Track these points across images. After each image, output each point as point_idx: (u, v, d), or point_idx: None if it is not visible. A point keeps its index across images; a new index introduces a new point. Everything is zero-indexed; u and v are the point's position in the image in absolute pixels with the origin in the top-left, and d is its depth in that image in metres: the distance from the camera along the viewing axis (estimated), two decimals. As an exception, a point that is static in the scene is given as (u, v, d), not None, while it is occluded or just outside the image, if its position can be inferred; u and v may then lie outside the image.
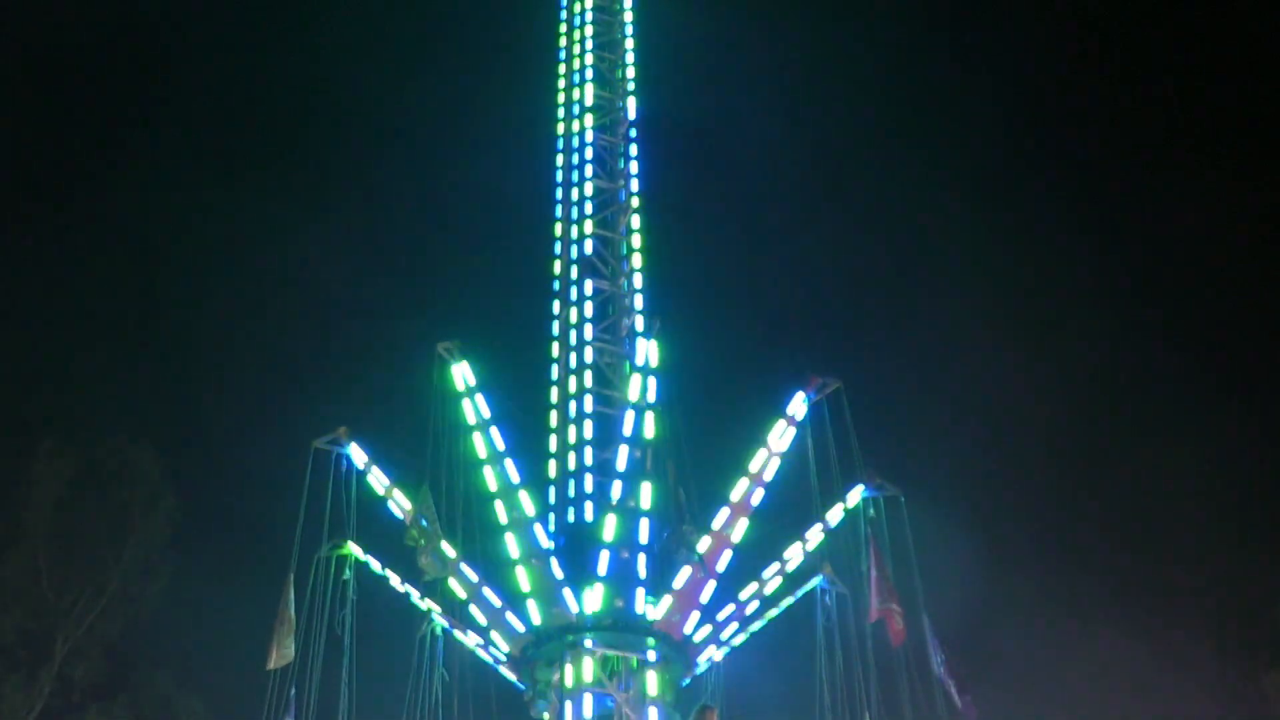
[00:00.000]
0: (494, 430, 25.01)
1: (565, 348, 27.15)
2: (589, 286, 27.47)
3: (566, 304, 27.78)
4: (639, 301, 27.76)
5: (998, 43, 61.92)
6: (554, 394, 26.87)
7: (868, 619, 22.61)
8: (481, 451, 24.81)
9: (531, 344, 28.39)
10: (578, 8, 31.91)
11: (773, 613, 24.64)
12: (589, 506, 24.75)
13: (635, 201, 28.98)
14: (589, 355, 26.49)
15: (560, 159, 30.13)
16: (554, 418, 26.50)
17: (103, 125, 54.56)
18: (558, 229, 29.28)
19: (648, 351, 25.25)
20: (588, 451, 25.29)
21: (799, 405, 25.33)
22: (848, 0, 58.94)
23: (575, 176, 29.37)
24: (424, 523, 23.30)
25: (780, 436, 25.21)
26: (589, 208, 28.70)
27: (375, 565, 24.49)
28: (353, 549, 23.93)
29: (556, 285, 28.53)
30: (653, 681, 23.14)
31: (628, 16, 31.91)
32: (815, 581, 24.09)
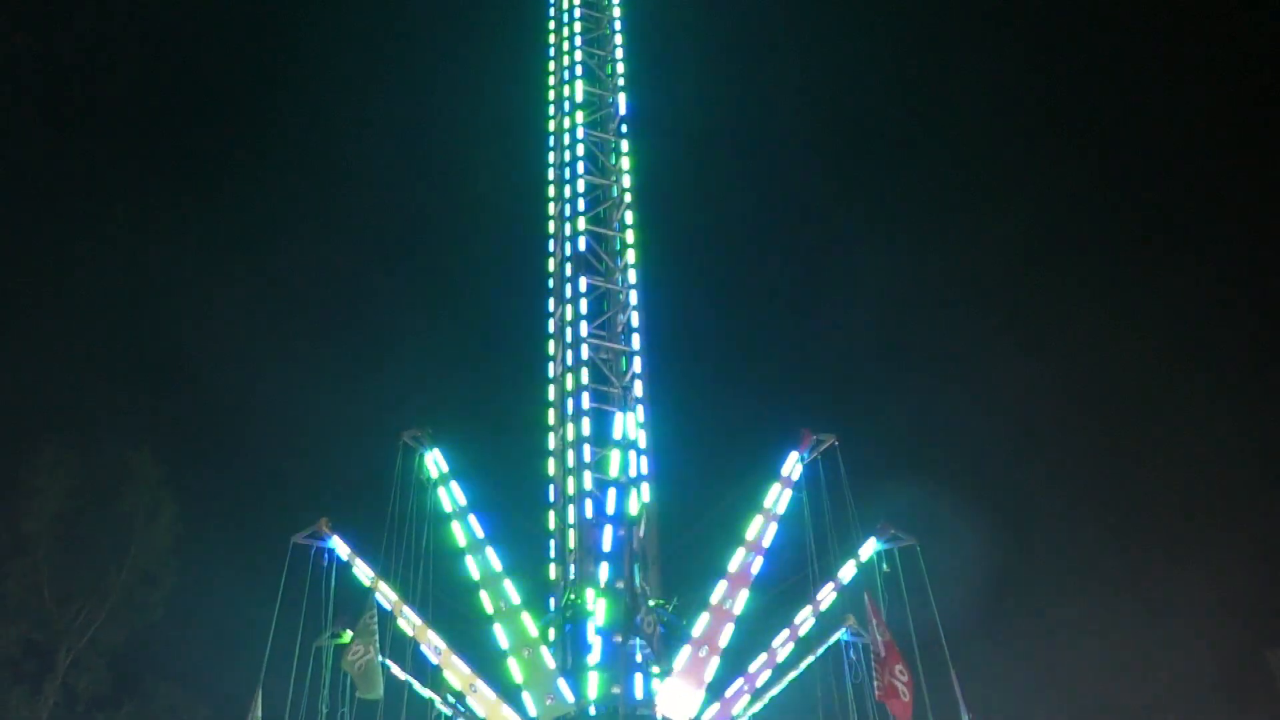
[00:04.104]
0: (472, 518, 24.11)
1: (561, 345, 27.04)
2: (583, 283, 27.28)
3: (561, 301, 27.69)
4: (634, 298, 27.61)
5: (995, 60, 61.79)
6: (550, 391, 26.73)
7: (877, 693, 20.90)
8: (461, 540, 23.89)
9: (523, 412, 27.19)
10: (566, 4, 31.79)
11: (793, 674, 23.23)
12: (589, 504, 24.58)
13: (628, 197, 28.88)
14: (585, 352, 26.31)
15: (552, 156, 30.01)
16: (551, 415, 26.33)
17: (104, 142, 54.61)
18: (550, 226, 29.19)
19: (624, 424, 24.18)
20: (586, 448, 25.11)
21: (794, 465, 24.33)
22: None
23: (567, 174, 29.19)
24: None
25: (776, 500, 24.13)
26: (581, 204, 28.55)
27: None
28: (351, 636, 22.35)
29: (551, 283, 28.41)
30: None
31: (616, 12, 31.81)
32: (839, 635, 23.05)
